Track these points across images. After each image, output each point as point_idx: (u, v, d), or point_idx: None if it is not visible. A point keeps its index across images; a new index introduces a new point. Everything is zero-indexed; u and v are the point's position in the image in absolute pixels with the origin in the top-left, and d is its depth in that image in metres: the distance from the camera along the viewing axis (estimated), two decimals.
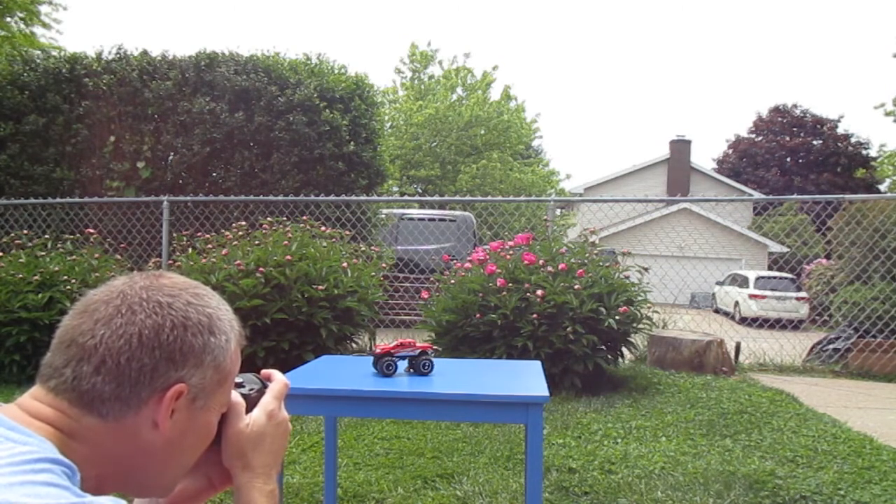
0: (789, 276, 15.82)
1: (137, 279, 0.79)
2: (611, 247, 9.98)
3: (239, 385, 0.92)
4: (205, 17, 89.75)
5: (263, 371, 0.98)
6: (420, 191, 22.60)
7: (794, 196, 26.27)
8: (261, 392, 0.94)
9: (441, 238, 9.76)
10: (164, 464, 0.79)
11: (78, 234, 6.96)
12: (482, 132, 22.27)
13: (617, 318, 5.12)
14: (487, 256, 5.72)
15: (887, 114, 21.19)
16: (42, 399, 0.73)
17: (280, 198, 7.58)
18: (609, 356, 5.47)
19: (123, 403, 0.73)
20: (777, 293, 15.35)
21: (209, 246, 6.03)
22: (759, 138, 33.08)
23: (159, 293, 0.77)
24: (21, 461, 0.62)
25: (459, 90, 23.91)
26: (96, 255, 6.38)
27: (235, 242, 5.92)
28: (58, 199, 7.97)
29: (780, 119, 33.13)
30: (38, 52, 10.81)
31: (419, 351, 2.00)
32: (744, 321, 14.56)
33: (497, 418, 2.04)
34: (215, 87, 8.18)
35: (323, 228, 6.41)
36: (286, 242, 5.71)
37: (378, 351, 1.99)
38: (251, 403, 0.91)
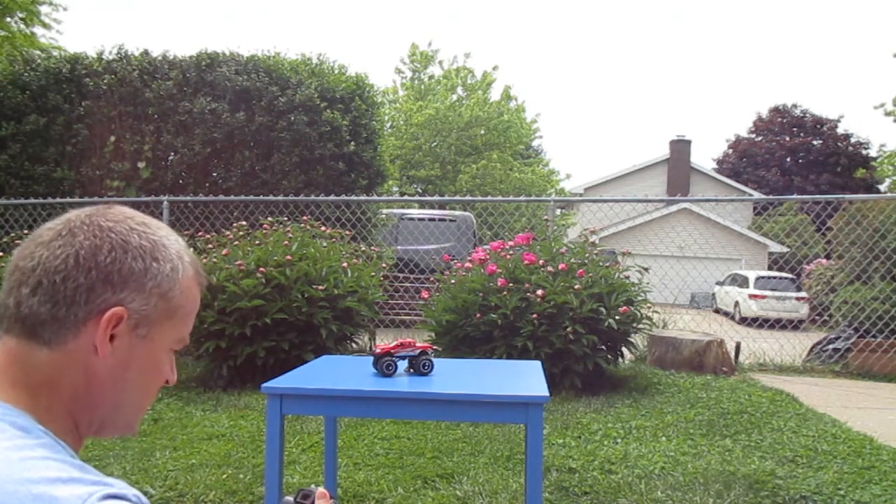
0: (789, 276, 15.80)
1: (87, 209, 0.78)
2: (611, 247, 9.98)
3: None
4: (205, 17, 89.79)
5: (319, 490, 1.03)
6: (420, 191, 22.59)
7: (794, 196, 26.27)
8: None
9: (441, 238, 9.75)
10: (113, 395, 0.77)
11: None
12: (482, 132, 22.25)
13: (617, 318, 5.12)
14: (488, 256, 5.72)
15: (887, 114, 21.17)
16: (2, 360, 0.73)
17: (280, 198, 7.58)
18: (609, 356, 5.47)
19: (61, 325, 0.72)
20: (777, 293, 15.34)
21: (210, 246, 6.04)
22: (759, 138, 33.07)
23: (102, 218, 0.76)
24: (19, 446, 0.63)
25: (459, 90, 23.88)
26: None
27: (236, 242, 5.92)
28: (58, 199, 7.96)
29: (779, 119, 33.12)
30: (39, 52, 10.80)
31: (419, 351, 2.00)
32: (744, 321, 14.55)
33: (497, 418, 2.04)
34: (216, 87, 8.18)
35: (323, 228, 6.42)
36: (286, 242, 5.71)
37: (378, 351, 1.99)
38: None
